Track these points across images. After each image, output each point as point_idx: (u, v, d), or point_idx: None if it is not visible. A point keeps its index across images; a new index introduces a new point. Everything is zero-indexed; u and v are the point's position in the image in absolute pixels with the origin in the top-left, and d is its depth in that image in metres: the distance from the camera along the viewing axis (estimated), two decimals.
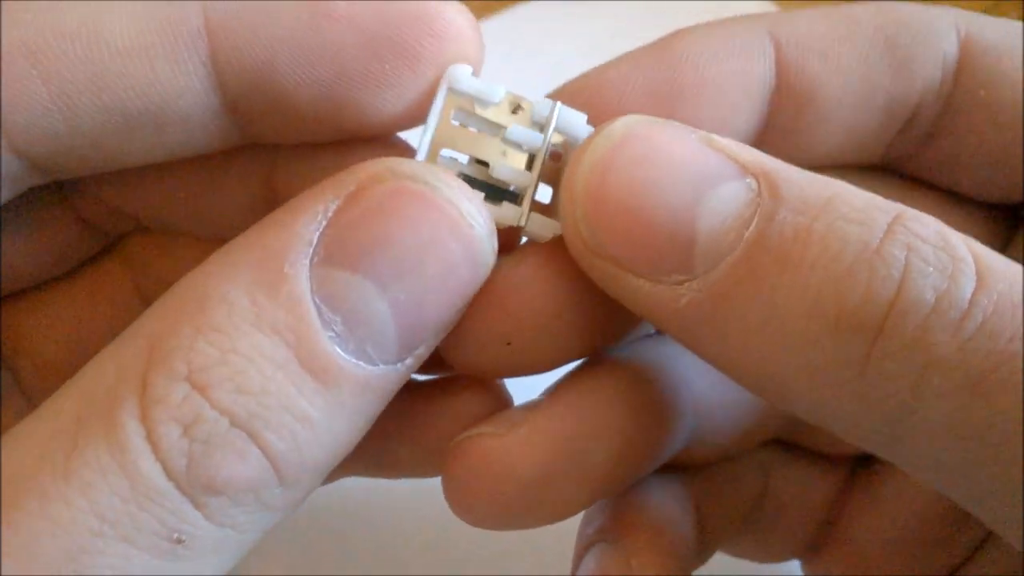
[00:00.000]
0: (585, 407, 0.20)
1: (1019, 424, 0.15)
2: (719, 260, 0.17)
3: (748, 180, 0.17)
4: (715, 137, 0.18)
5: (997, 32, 0.22)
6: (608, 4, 0.48)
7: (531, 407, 0.21)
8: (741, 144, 0.18)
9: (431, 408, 0.23)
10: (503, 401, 0.23)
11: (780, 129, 0.22)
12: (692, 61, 0.21)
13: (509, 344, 0.19)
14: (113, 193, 0.22)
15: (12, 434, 0.16)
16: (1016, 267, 0.16)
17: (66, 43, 0.17)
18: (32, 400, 0.24)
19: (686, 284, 0.17)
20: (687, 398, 0.22)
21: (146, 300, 0.24)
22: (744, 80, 0.21)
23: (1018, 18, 0.48)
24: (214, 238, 0.23)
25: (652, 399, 0.21)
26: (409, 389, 0.23)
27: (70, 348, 0.23)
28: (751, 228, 0.17)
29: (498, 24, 0.47)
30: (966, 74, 0.21)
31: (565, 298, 0.19)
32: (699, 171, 0.17)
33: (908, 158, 0.23)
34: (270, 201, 0.22)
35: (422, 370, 0.23)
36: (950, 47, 0.21)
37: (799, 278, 0.16)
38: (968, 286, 0.15)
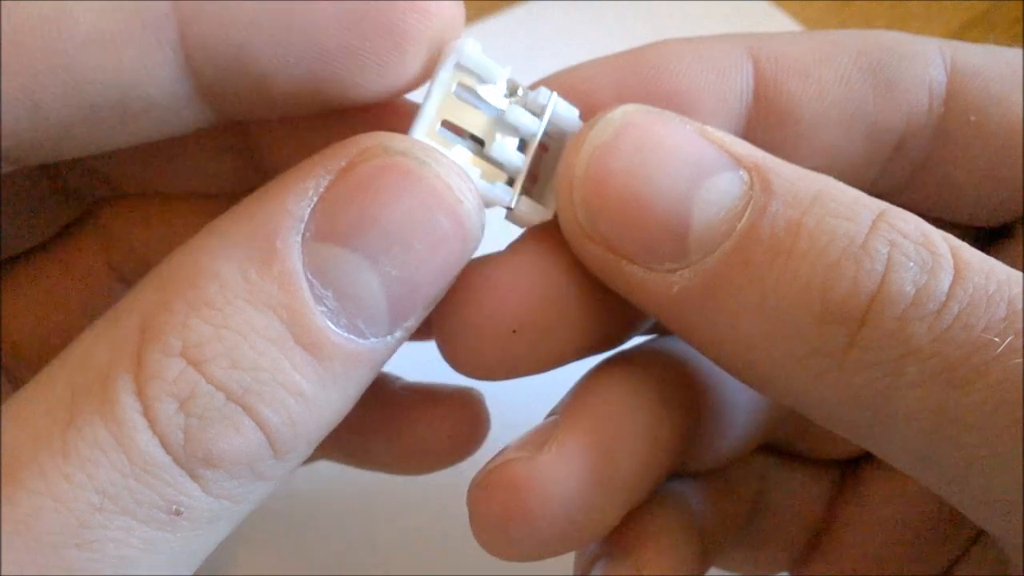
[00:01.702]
0: (608, 420, 0.20)
1: (988, 412, 0.15)
2: (712, 249, 0.17)
3: (741, 172, 0.18)
4: (709, 128, 0.18)
5: (982, 57, 0.22)
6: (608, 4, 0.48)
7: (550, 426, 0.21)
8: (734, 136, 0.18)
9: (412, 411, 0.23)
10: (481, 416, 0.24)
11: (757, 146, 0.22)
12: (665, 70, 0.21)
13: (515, 332, 0.19)
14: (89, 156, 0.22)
15: (2, 412, 0.16)
16: (992, 261, 0.16)
17: (28, 35, 0.16)
18: (11, 379, 0.24)
19: (679, 272, 0.17)
20: (695, 402, 0.22)
21: (119, 276, 0.24)
22: (718, 93, 0.21)
23: (1017, 18, 0.48)
24: (194, 197, 0.23)
25: (668, 404, 0.21)
26: (394, 391, 0.24)
27: (44, 326, 0.24)
28: (744, 219, 0.17)
29: (498, 24, 0.48)
30: (955, 100, 0.21)
31: (570, 285, 0.20)
32: (694, 161, 0.18)
33: (899, 189, 0.23)
34: (250, 158, 0.22)
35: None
36: (937, 73, 0.21)
37: (788, 269, 0.17)
38: (946, 279, 0.16)
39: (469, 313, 0.19)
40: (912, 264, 0.16)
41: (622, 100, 0.20)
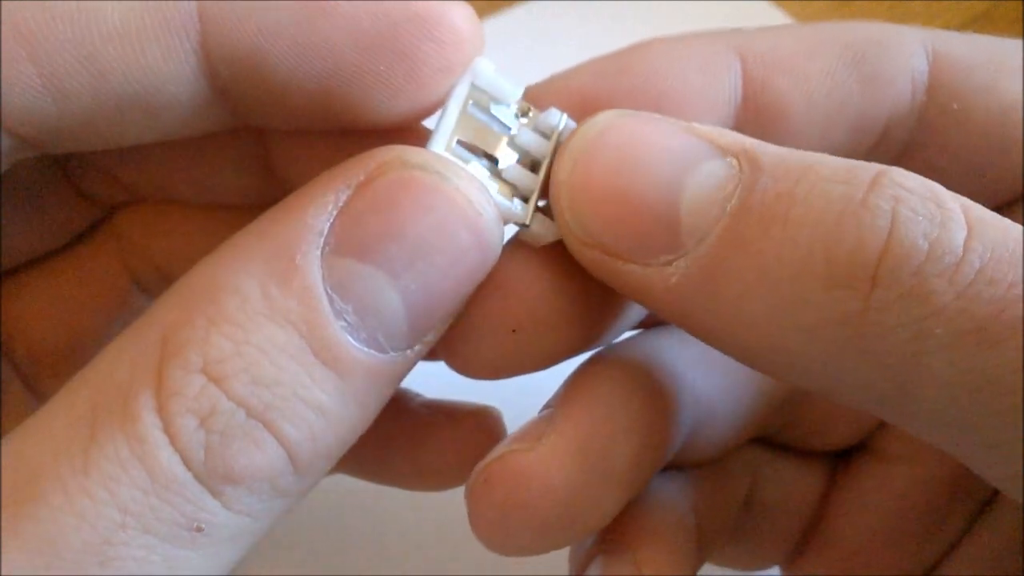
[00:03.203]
0: (602, 408, 0.20)
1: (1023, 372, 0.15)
2: (706, 234, 0.17)
3: (728, 159, 0.17)
4: (695, 124, 0.18)
5: (965, 47, 0.22)
6: (608, 4, 0.48)
7: (547, 419, 0.21)
8: (720, 128, 0.18)
9: (431, 429, 0.24)
10: (499, 436, 0.24)
11: None
12: (653, 73, 0.21)
13: (515, 332, 0.19)
14: (109, 159, 0.22)
15: (24, 428, 0.16)
16: (1005, 220, 0.16)
17: (57, 26, 0.17)
18: (29, 385, 0.24)
19: (675, 263, 0.17)
20: (687, 392, 0.22)
21: (136, 281, 0.24)
22: (707, 94, 0.21)
23: (1017, 18, 0.48)
24: (210, 206, 0.23)
25: (658, 393, 0.21)
26: (414, 407, 0.24)
27: (62, 331, 0.24)
28: (734, 199, 0.17)
29: (498, 24, 0.48)
30: (938, 89, 0.21)
31: (568, 284, 0.20)
32: (679, 154, 0.17)
33: None
34: (268, 171, 0.22)
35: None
36: (919, 62, 0.21)
37: (786, 238, 0.16)
38: (959, 233, 0.15)
39: (469, 313, 0.19)
40: (921, 217, 0.15)
41: (610, 106, 0.19)
